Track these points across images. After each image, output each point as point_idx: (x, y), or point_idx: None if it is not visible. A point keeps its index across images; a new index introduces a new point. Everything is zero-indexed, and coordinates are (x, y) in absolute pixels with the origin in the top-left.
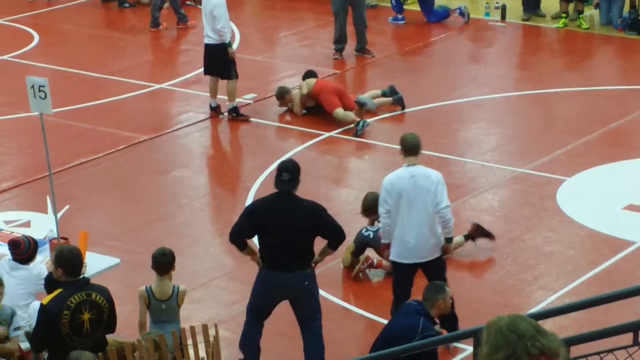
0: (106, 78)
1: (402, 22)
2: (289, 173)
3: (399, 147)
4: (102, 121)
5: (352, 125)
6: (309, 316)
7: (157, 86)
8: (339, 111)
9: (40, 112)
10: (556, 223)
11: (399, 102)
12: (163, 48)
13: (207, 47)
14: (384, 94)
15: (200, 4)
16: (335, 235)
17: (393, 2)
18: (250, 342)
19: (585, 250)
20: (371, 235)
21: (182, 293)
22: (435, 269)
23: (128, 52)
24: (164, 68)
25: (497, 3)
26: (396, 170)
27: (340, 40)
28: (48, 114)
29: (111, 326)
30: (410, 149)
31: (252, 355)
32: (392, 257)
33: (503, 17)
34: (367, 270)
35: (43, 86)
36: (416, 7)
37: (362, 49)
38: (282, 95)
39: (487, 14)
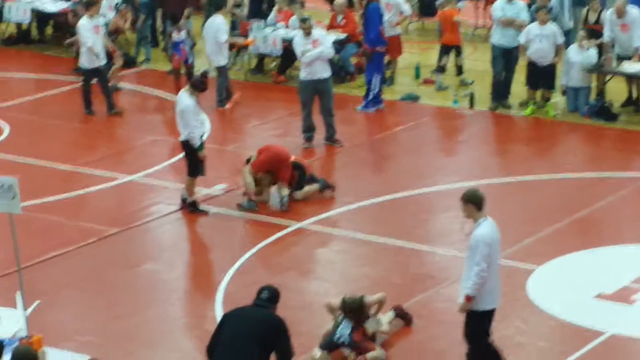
0: (76, 170)
1: (371, 109)
2: (269, 292)
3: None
4: (72, 214)
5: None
6: None
7: (128, 178)
8: (247, 174)
9: (9, 212)
10: (527, 314)
11: (326, 187)
12: (133, 139)
13: (181, 143)
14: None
15: None
16: (287, 352)
17: (371, 95)
18: None
19: (556, 342)
20: (346, 342)
21: None
22: None
23: (98, 143)
24: (133, 159)
25: (465, 91)
26: (483, 226)
27: (308, 129)
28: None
29: None
30: (482, 202)
31: None
32: (487, 307)
33: (471, 105)
34: None
35: (12, 187)
36: (387, 96)
37: (330, 138)
38: None
39: (455, 102)
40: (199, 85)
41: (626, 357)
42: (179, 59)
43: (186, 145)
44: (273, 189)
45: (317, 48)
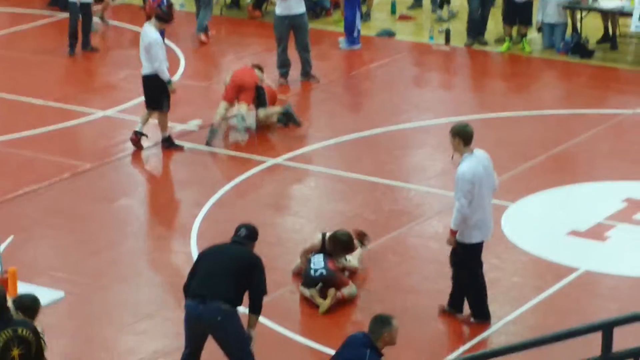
0: (50, 105)
1: (357, 46)
2: (247, 230)
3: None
4: (45, 149)
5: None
6: (231, 353)
7: (102, 113)
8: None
9: None
10: (501, 249)
11: (291, 119)
12: (107, 74)
13: (143, 78)
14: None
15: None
16: (260, 289)
17: (356, 32)
18: None
19: (530, 277)
20: (324, 273)
21: None
22: None
23: (72, 78)
24: (108, 94)
25: (440, 27)
26: (466, 162)
27: (283, 65)
28: None
29: (40, 358)
30: (470, 137)
31: None
32: (474, 240)
33: (447, 41)
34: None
35: None
36: (366, 32)
37: (306, 73)
38: None
39: (432, 38)
40: (163, 17)
41: (599, 293)
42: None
43: (152, 80)
44: (235, 111)
45: None
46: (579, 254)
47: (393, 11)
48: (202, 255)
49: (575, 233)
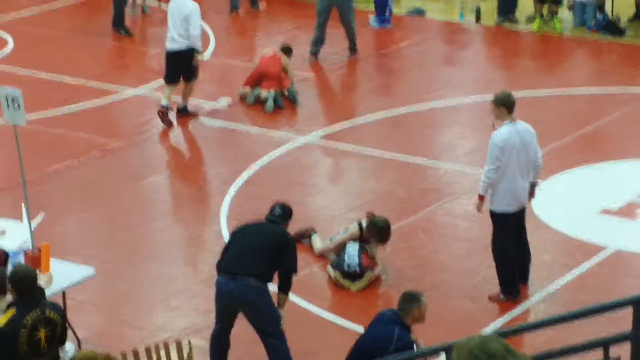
0: (80, 83)
1: (388, 25)
2: (281, 209)
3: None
4: (75, 127)
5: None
6: (262, 330)
7: (132, 91)
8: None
9: (14, 123)
10: (531, 228)
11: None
12: (137, 53)
13: (174, 53)
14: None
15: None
16: (290, 268)
17: (388, 12)
18: (214, 350)
19: (560, 256)
20: (357, 270)
21: None
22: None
23: (102, 56)
24: (138, 72)
25: (471, 5)
26: (502, 129)
27: (317, 42)
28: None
29: (63, 339)
30: (513, 106)
31: None
32: (499, 209)
33: (478, 19)
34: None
35: (16, 98)
36: (396, 11)
37: (350, 49)
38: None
39: (462, 16)
40: None
41: (630, 272)
42: None
43: (185, 55)
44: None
45: None
46: (610, 232)
47: None
48: (235, 233)
49: (606, 211)
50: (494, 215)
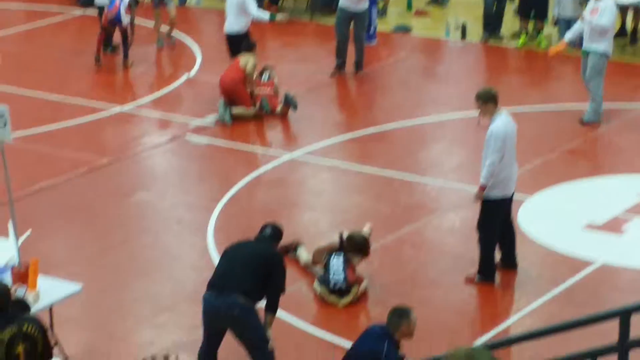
0: (66, 101)
1: (374, 42)
2: (272, 229)
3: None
4: (62, 145)
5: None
6: (249, 347)
7: (119, 108)
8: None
9: (0, 140)
10: (518, 243)
11: (290, 102)
12: (124, 69)
13: (231, 36)
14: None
15: None
16: (278, 287)
17: (372, 29)
18: None
19: (546, 270)
20: (343, 288)
21: None
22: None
23: (88, 74)
24: (125, 90)
25: (457, 22)
26: (497, 121)
27: (338, 55)
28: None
29: (48, 355)
30: (497, 98)
31: None
32: (498, 195)
33: (463, 36)
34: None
35: (2, 115)
36: (383, 28)
37: (357, 64)
38: None
39: (447, 33)
40: None
41: (616, 287)
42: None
43: (239, 36)
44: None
45: None
46: (596, 247)
47: (409, 7)
48: (225, 251)
49: (592, 226)
50: (489, 203)
